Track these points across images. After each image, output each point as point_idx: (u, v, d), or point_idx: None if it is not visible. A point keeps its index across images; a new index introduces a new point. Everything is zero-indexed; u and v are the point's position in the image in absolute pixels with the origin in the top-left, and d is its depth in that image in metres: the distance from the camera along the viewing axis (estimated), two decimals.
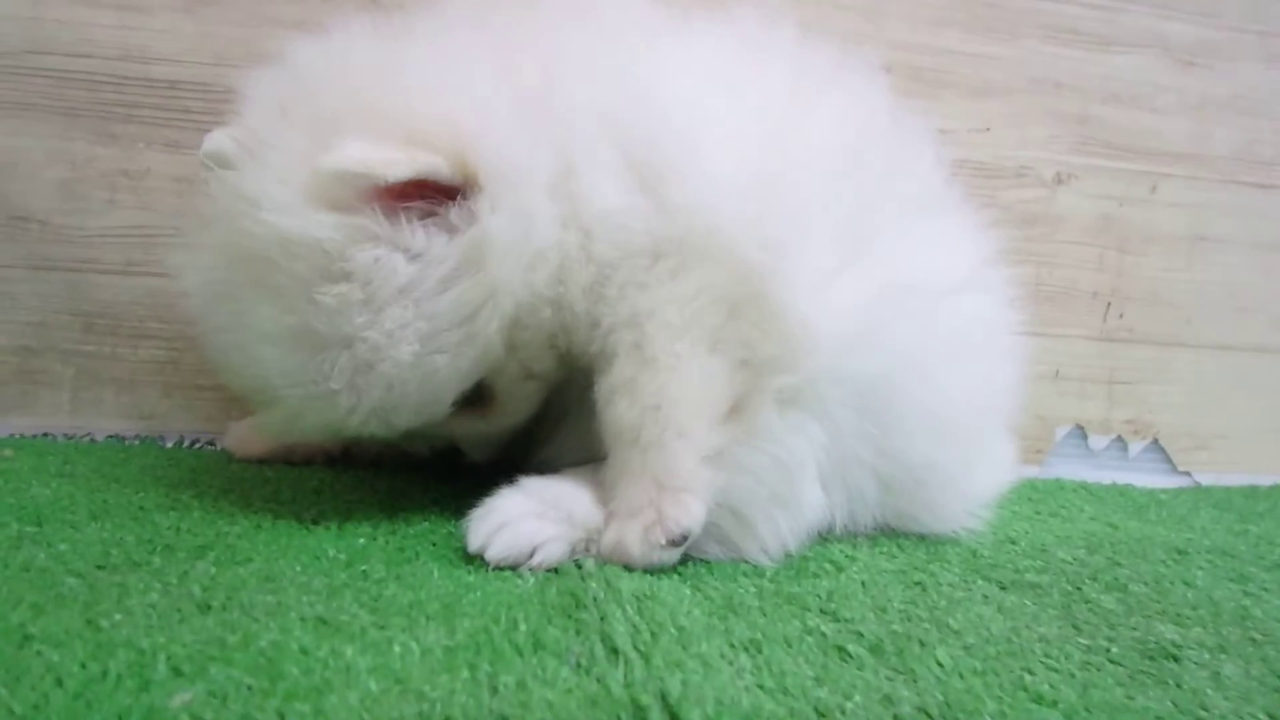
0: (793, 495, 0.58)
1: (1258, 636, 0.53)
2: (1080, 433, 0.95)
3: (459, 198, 0.53)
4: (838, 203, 0.59)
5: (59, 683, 0.36)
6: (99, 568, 0.49)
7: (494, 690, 0.38)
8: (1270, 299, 0.96)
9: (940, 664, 0.45)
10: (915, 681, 0.43)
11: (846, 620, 0.50)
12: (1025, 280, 0.90)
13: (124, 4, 0.77)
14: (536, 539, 0.54)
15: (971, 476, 0.69)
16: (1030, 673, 0.45)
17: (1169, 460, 0.97)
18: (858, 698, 0.40)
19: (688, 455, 0.55)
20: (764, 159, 0.57)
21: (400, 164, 0.50)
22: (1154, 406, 0.96)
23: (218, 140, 0.56)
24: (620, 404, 0.56)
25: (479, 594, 0.49)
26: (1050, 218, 0.92)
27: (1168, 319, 0.95)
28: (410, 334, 0.53)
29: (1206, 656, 0.50)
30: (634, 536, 0.54)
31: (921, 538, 0.68)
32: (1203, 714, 0.42)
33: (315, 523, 0.60)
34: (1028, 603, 0.57)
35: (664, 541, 0.53)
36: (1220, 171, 0.94)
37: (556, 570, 0.54)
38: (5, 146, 0.77)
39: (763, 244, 0.55)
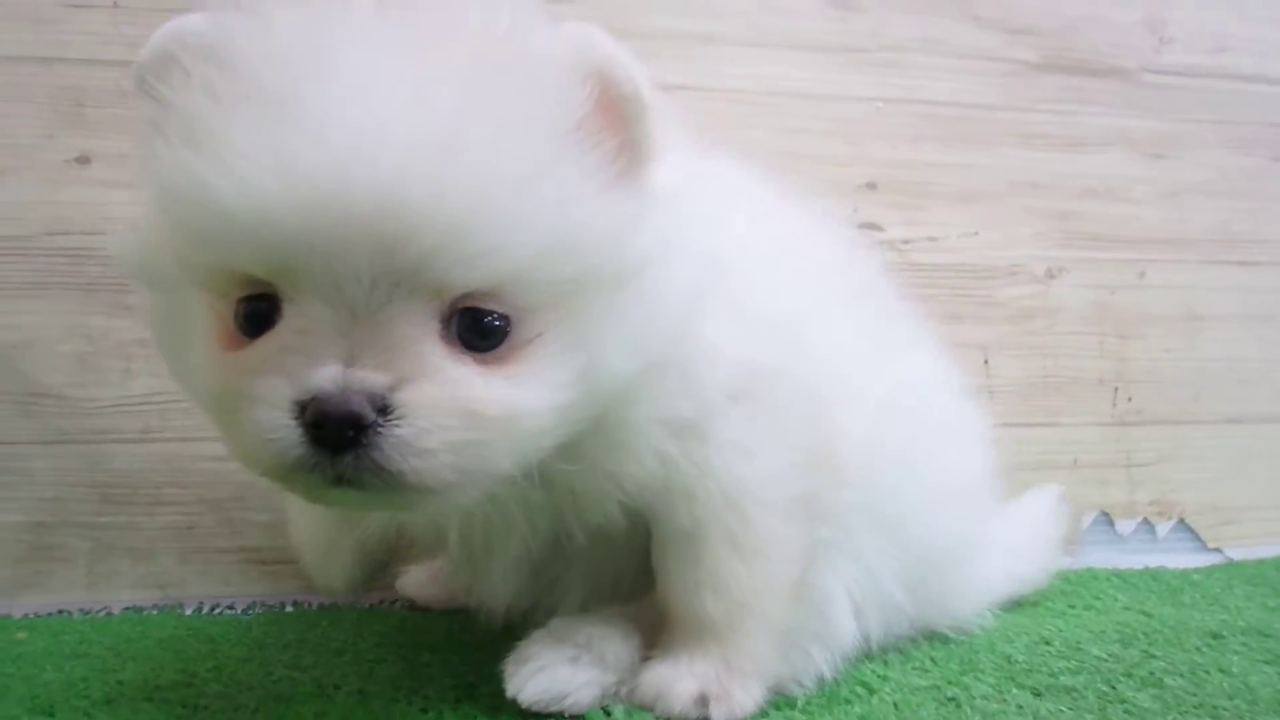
0: (829, 631, 0.60)
1: None
2: (1106, 519, 0.95)
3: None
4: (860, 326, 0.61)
5: None
6: None
7: None
8: (1271, 368, 0.99)
9: None
10: None
11: None
12: (1033, 373, 0.93)
13: (137, 183, 0.80)
14: (569, 685, 0.54)
15: (982, 550, 0.71)
16: None
17: (1198, 538, 0.97)
18: None
19: (765, 643, 0.56)
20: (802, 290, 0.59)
21: (653, 97, 0.47)
22: (1175, 485, 0.96)
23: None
24: (708, 595, 0.54)
25: None
26: (1047, 310, 0.95)
27: (1175, 398, 0.97)
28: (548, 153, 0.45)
29: None
30: (685, 697, 0.54)
31: (954, 647, 0.69)
32: None
33: (337, 688, 0.58)
34: (1064, 709, 0.57)
35: (722, 718, 0.54)
36: (1202, 253, 0.98)
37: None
38: (24, 324, 0.79)
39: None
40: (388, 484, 0.41)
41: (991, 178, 0.94)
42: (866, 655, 0.65)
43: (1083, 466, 0.94)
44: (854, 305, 0.63)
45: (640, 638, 0.58)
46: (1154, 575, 0.91)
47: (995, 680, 0.62)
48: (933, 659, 0.66)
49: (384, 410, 0.40)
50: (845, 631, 0.61)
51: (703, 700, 0.54)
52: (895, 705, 0.58)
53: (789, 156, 0.90)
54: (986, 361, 0.93)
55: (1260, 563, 0.94)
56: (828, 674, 0.60)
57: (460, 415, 0.41)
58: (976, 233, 0.94)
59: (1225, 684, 0.61)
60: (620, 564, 0.60)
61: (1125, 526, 0.95)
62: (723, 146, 0.81)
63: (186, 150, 0.40)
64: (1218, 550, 0.97)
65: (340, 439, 0.40)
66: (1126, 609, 0.80)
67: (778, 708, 0.57)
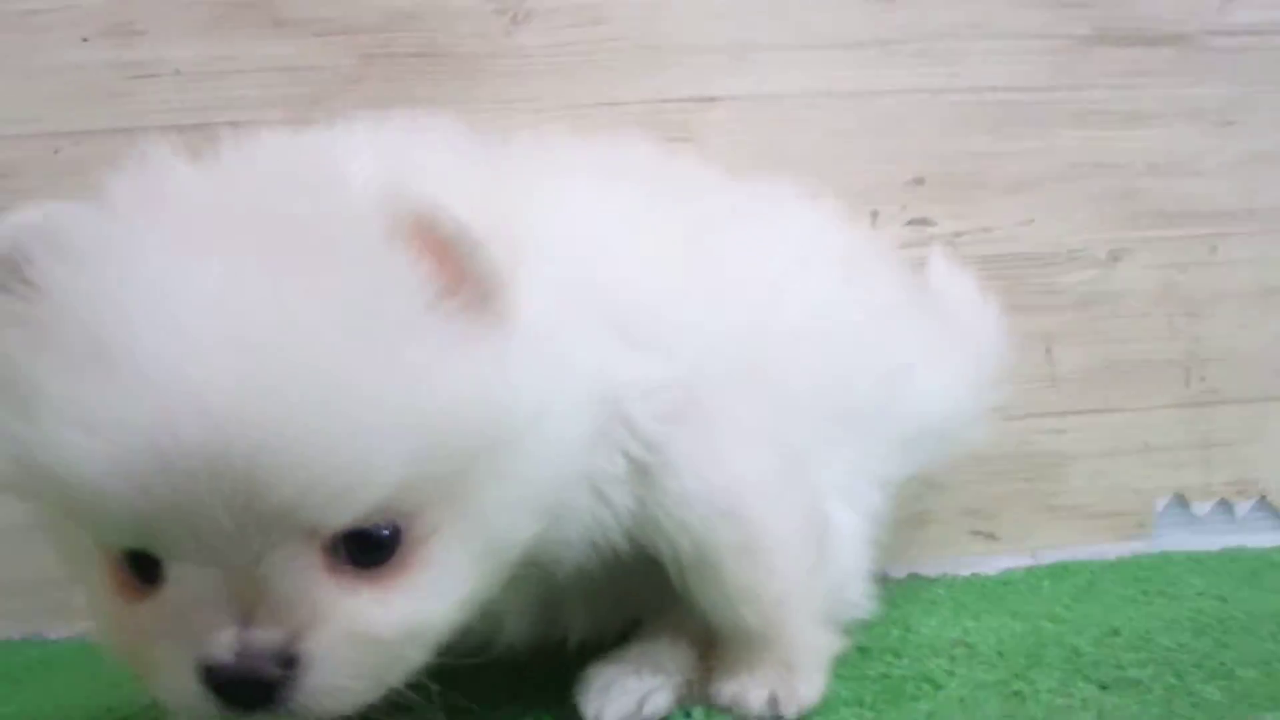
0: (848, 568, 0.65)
1: None
2: (1181, 501, 0.94)
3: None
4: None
5: None
6: None
7: None
8: None
9: None
10: None
11: None
12: (1097, 359, 0.91)
13: None
14: (642, 692, 0.58)
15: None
16: None
17: (1279, 515, 0.94)
18: None
19: (812, 630, 0.59)
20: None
21: (486, 249, 0.43)
22: (1255, 464, 0.94)
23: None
24: (741, 608, 0.56)
25: None
26: (1110, 295, 0.93)
27: (1253, 375, 0.94)
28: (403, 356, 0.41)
29: None
30: (759, 699, 0.57)
31: (1021, 639, 0.70)
32: None
33: None
34: (1129, 703, 0.57)
35: (793, 715, 0.57)
36: (1277, 223, 0.93)
37: None
38: None
39: None
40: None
41: (1046, 162, 0.92)
42: (930, 647, 0.69)
43: (1153, 450, 0.93)
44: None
45: (686, 639, 0.61)
46: (1232, 557, 0.89)
47: (1062, 674, 0.63)
48: (1000, 653, 0.67)
49: (289, 663, 0.39)
50: (860, 558, 0.65)
51: (773, 702, 0.57)
52: (961, 701, 0.59)
53: (833, 159, 0.90)
54: (1049, 350, 0.92)
55: None
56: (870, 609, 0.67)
57: (364, 646, 0.41)
58: (1032, 220, 0.92)
59: None
60: (620, 583, 0.60)
61: (1201, 508, 0.94)
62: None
63: (8, 410, 0.38)
64: None
65: (250, 700, 0.39)
66: (1200, 594, 0.79)
67: (846, 704, 0.60)
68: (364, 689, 0.41)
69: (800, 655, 0.59)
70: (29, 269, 0.40)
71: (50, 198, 0.73)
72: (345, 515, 0.39)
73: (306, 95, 0.88)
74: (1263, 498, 0.94)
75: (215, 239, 0.39)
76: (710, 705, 0.59)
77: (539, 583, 0.55)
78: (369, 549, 0.41)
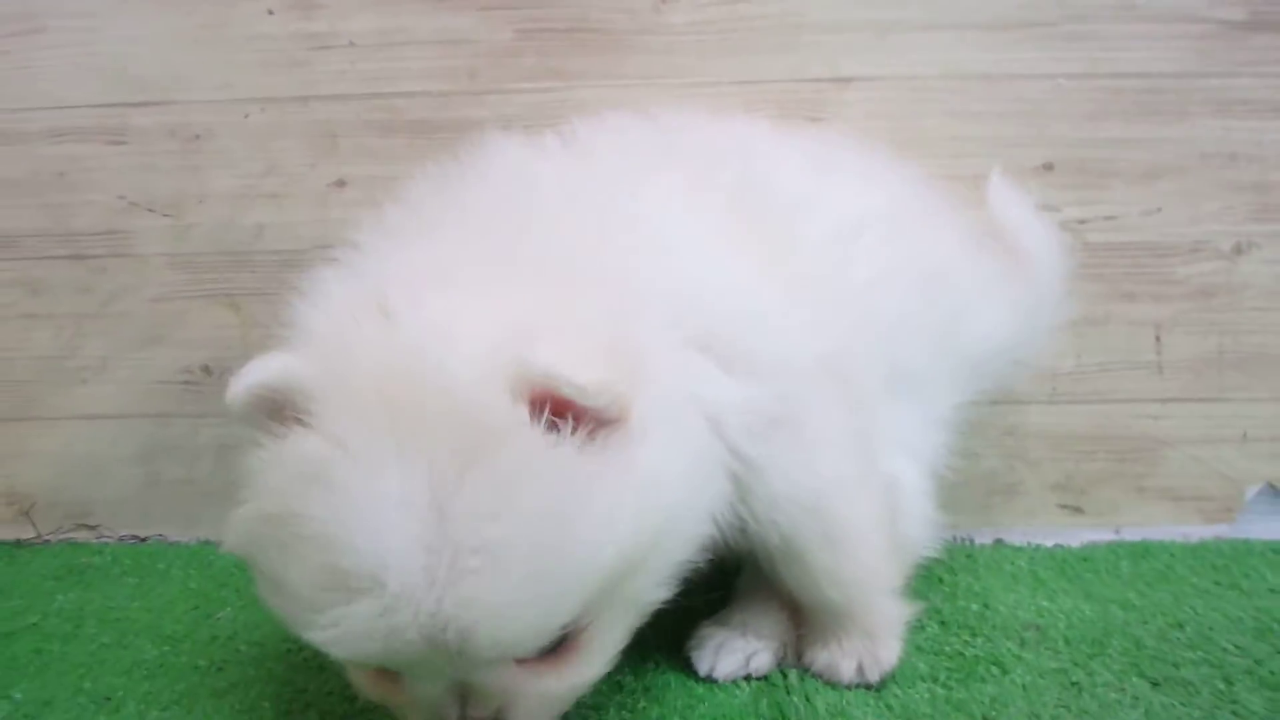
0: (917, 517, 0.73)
1: None
2: (1273, 490, 0.97)
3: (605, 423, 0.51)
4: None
5: None
6: None
7: None
8: None
9: None
10: None
11: None
12: (1209, 349, 0.94)
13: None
14: (748, 651, 0.70)
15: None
16: None
17: None
18: None
19: (890, 601, 0.69)
20: None
21: (605, 394, 0.49)
22: None
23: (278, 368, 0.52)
24: (827, 589, 0.65)
25: (707, 704, 0.67)
26: (1232, 287, 0.94)
27: None
28: (559, 522, 0.49)
29: None
30: (849, 669, 0.68)
31: (1090, 626, 0.77)
32: None
33: None
34: (1176, 703, 0.65)
35: (877, 679, 0.68)
36: None
37: (767, 680, 0.70)
38: None
39: None
40: None
41: (1180, 150, 0.92)
42: (1004, 628, 0.76)
43: (1252, 440, 0.96)
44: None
45: (780, 608, 0.71)
46: None
47: (1121, 667, 0.70)
48: (1067, 639, 0.75)
49: None
50: (923, 503, 0.72)
51: (860, 669, 0.68)
52: (1024, 688, 0.67)
53: (964, 142, 0.93)
54: (1158, 338, 0.95)
55: None
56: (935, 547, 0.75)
57: (547, 706, 0.54)
58: (1159, 209, 0.93)
59: None
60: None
61: None
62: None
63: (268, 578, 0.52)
64: None
65: None
66: (1273, 591, 0.83)
67: (923, 679, 0.69)
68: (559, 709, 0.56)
69: (879, 625, 0.69)
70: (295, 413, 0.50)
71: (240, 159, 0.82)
72: (533, 650, 0.51)
73: (467, 68, 0.95)
74: None
75: (393, 443, 0.48)
76: (804, 669, 0.70)
77: None
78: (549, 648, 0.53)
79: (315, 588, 0.48)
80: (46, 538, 1.03)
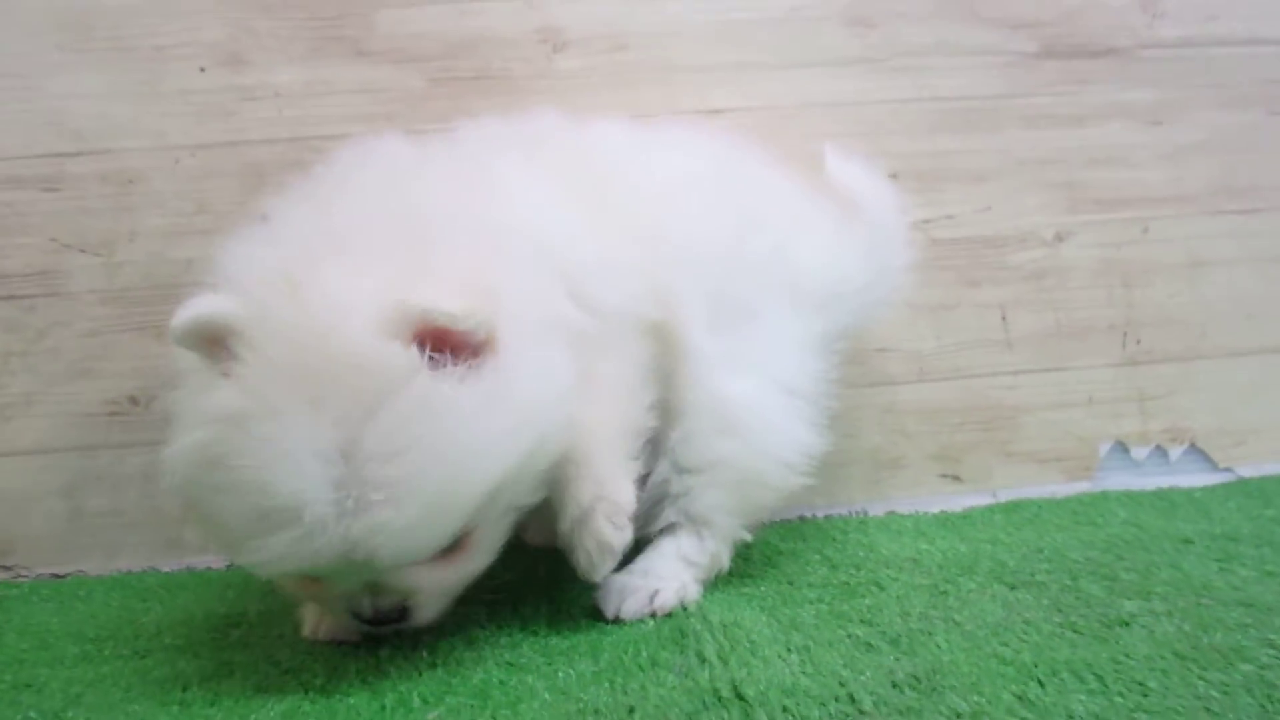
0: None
1: (1206, 602, 0.69)
2: (1122, 447, 1.10)
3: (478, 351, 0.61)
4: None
5: None
6: None
7: (625, 693, 0.60)
8: (1274, 304, 1.10)
9: (938, 645, 0.64)
10: (914, 659, 0.62)
11: (877, 625, 0.69)
12: (1047, 325, 1.09)
13: None
14: (649, 590, 0.77)
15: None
16: (1004, 644, 0.63)
17: (1209, 459, 1.11)
18: (869, 674, 0.60)
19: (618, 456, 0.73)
20: None
21: (478, 315, 0.59)
22: (1186, 414, 1.10)
23: (216, 304, 0.61)
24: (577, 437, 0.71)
25: (614, 635, 0.72)
26: (1058, 270, 1.09)
27: (1182, 336, 1.10)
28: (449, 455, 0.59)
29: (1151, 620, 0.66)
30: (607, 530, 0.72)
31: (960, 555, 0.86)
32: (1125, 660, 0.59)
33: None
34: (1028, 597, 0.73)
35: (628, 521, 0.73)
36: (1204, 206, 1.09)
37: (670, 615, 0.76)
38: None
39: None
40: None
41: (1000, 159, 1.08)
42: (885, 562, 0.85)
43: (1097, 403, 1.09)
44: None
45: (677, 555, 0.79)
46: (1160, 494, 1.04)
47: (984, 579, 0.79)
48: (940, 565, 0.84)
49: (403, 612, 0.66)
50: (783, 417, 0.80)
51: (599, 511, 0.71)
52: (898, 598, 0.75)
53: (821, 159, 1.08)
54: (1004, 318, 1.09)
55: (1264, 479, 1.06)
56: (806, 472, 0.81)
57: (442, 594, 0.67)
58: (989, 207, 1.09)
59: (1168, 575, 0.76)
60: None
61: (1140, 453, 1.10)
62: None
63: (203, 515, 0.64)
64: (1229, 470, 1.10)
65: (383, 624, 0.66)
66: (1124, 523, 0.95)
67: (810, 601, 0.76)
68: (443, 609, 0.68)
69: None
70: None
71: (171, 199, 0.92)
72: (430, 556, 0.62)
73: (385, 112, 1.07)
74: (1193, 444, 1.11)
75: (305, 399, 0.58)
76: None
77: None
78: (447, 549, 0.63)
79: (243, 523, 0.59)
80: None
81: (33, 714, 0.63)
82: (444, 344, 0.60)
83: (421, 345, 0.59)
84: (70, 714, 0.63)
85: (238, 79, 1.06)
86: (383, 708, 0.61)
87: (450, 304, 0.58)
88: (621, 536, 0.71)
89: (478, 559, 0.66)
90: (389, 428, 0.57)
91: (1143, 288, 1.10)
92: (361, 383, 0.57)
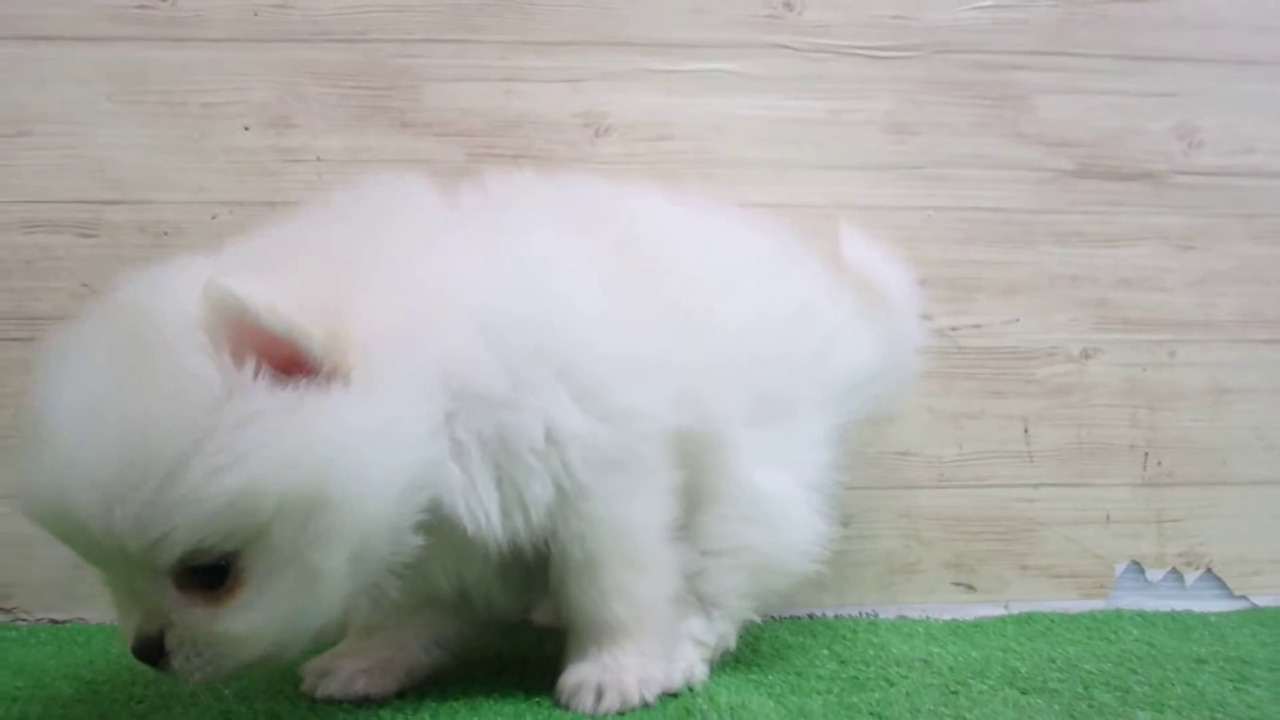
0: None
1: (1220, 716, 0.71)
2: (1137, 567, 1.11)
3: (321, 376, 0.57)
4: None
5: None
6: None
7: None
8: None
9: None
10: None
11: (886, 718, 0.71)
12: (1069, 440, 1.09)
13: None
14: (622, 686, 0.74)
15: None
16: None
17: (1224, 586, 1.12)
18: None
19: (666, 634, 0.75)
20: None
21: (280, 314, 0.54)
22: (1204, 539, 1.13)
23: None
24: (615, 605, 0.72)
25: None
26: (1082, 387, 1.12)
27: (1204, 462, 1.14)
28: (174, 429, 0.54)
29: None
30: (632, 687, 0.72)
31: (972, 660, 0.87)
32: None
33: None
34: (1040, 702, 0.76)
35: (657, 694, 0.74)
36: (1231, 333, 1.14)
37: (676, 695, 0.77)
38: None
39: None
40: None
41: (1031, 272, 1.13)
42: (895, 661, 0.86)
43: (1115, 522, 1.12)
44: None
45: (686, 634, 0.79)
46: (1174, 616, 1.08)
47: (996, 683, 0.81)
48: (951, 668, 0.86)
49: (159, 649, 0.58)
50: (802, 510, 0.80)
51: (642, 688, 0.72)
52: (908, 694, 0.77)
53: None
54: (1026, 430, 1.11)
55: None
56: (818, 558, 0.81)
57: (200, 645, 0.58)
58: (1018, 319, 1.11)
59: (1182, 690, 0.79)
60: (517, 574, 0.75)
61: (1155, 575, 1.12)
62: None
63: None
64: (1244, 598, 1.12)
65: (154, 662, 0.59)
66: (1137, 640, 0.98)
67: (819, 692, 0.77)
68: (214, 670, 0.58)
69: (654, 647, 0.74)
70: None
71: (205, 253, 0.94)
72: (167, 556, 0.55)
73: None
74: (1209, 569, 1.12)
75: (93, 357, 0.56)
76: (561, 698, 0.73)
77: (458, 573, 0.71)
78: (206, 577, 0.57)
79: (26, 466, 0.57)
80: None
81: None
82: (272, 352, 0.56)
83: (233, 347, 0.55)
84: None
85: (281, 140, 1.10)
86: None
87: (258, 301, 0.54)
88: (642, 699, 0.71)
89: (244, 616, 0.58)
90: (148, 392, 0.54)
91: (1166, 410, 1.13)
92: (145, 348, 0.55)
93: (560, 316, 0.68)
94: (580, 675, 0.73)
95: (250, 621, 0.57)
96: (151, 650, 0.58)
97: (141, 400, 0.54)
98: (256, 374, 0.55)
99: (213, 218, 1.09)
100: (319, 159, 1.10)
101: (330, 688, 0.73)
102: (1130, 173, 1.13)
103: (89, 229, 1.08)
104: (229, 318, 0.54)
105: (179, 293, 0.56)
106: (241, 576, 0.57)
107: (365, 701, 0.73)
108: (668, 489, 0.74)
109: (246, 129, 1.10)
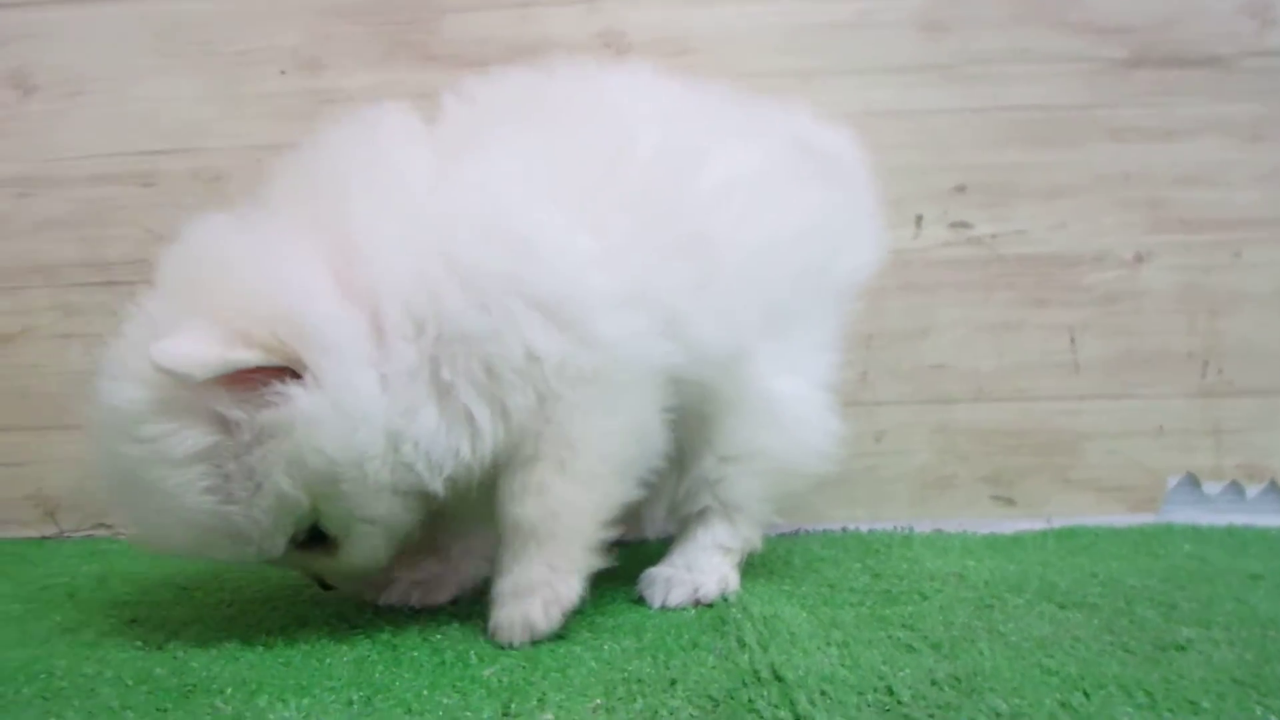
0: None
1: (1273, 635, 0.67)
2: (1193, 480, 1.06)
3: (287, 376, 0.64)
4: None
5: None
6: None
7: (667, 668, 0.64)
8: None
9: (980, 652, 0.64)
10: (955, 662, 0.62)
11: (918, 630, 0.70)
12: (1118, 349, 1.05)
13: None
14: (694, 584, 0.79)
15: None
16: (1050, 657, 0.63)
17: None
18: (908, 671, 0.61)
19: (580, 547, 0.72)
20: None
21: (210, 364, 0.61)
22: (1266, 451, 1.06)
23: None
24: (529, 502, 0.70)
25: (657, 620, 0.75)
26: (1134, 293, 1.06)
27: (1268, 370, 1.05)
28: (200, 487, 0.64)
29: (1209, 647, 0.65)
30: (538, 612, 0.71)
31: (1009, 575, 0.85)
32: (1178, 680, 0.58)
33: None
34: (1078, 616, 0.73)
35: (560, 615, 0.71)
36: None
37: (711, 604, 0.79)
38: None
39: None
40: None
41: (1078, 173, 1.06)
42: (929, 575, 0.85)
43: (1167, 434, 1.06)
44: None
45: (714, 548, 0.82)
46: (1230, 531, 1.02)
47: (1032, 597, 0.78)
48: (987, 582, 0.83)
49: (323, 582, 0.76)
50: (818, 413, 0.82)
51: (547, 610, 0.70)
52: (941, 607, 0.76)
53: (884, 170, 1.06)
54: (1072, 340, 1.06)
55: None
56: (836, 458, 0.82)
57: (343, 575, 0.75)
58: (1064, 224, 1.06)
59: (1231, 608, 0.74)
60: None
61: (1212, 488, 1.06)
62: None
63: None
64: None
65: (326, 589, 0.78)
66: (1188, 556, 0.92)
67: (850, 604, 0.77)
68: (354, 584, 0.78)
69: (563, 562, 0.71)
70: None
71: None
72: (276, 549, 0.68)
73: None
74: (1273, 482, 1.06)
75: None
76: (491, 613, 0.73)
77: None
78: (312, 541, 0.70)
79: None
80: (69, 534, 1.15)
81: (139, 643, 0.73)
82: (235, 380, 0.63)
83: (207, 394, 0.63)
84: (171, 645, 0.72)
85: (315, 83, 1.12)
86: (442, 662, 0.66)
87: (190, 351, 0.62)
88: (550, 626, 0.70)
89: (353, 555, 0.71)
90: (135, 461, 0.65)
91: (1229, 316, 1.05)
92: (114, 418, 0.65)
93: (530, 245, 0.68)
94: (499, 601, 0.72)
95: (353, 557, 0.71)
96: (322, 584, 0.76)
97: (178, 479, 0.64)
98: (236, 404, 0.64)
99: (257, 161, 1.14)
100: (351, 98, 1.12)
101: (390, 598, 0.81)
102: (1192, 59, 1.04)
103: (148, 179, 1.12)
104: (183, 385, 0.63)
105: (126, 383, 0.65)
106: (332, 534, 0.70)
107: (421, 609, 0.81)
108: (643, 420, 0.73)
109: (282, 73, 1.13)
